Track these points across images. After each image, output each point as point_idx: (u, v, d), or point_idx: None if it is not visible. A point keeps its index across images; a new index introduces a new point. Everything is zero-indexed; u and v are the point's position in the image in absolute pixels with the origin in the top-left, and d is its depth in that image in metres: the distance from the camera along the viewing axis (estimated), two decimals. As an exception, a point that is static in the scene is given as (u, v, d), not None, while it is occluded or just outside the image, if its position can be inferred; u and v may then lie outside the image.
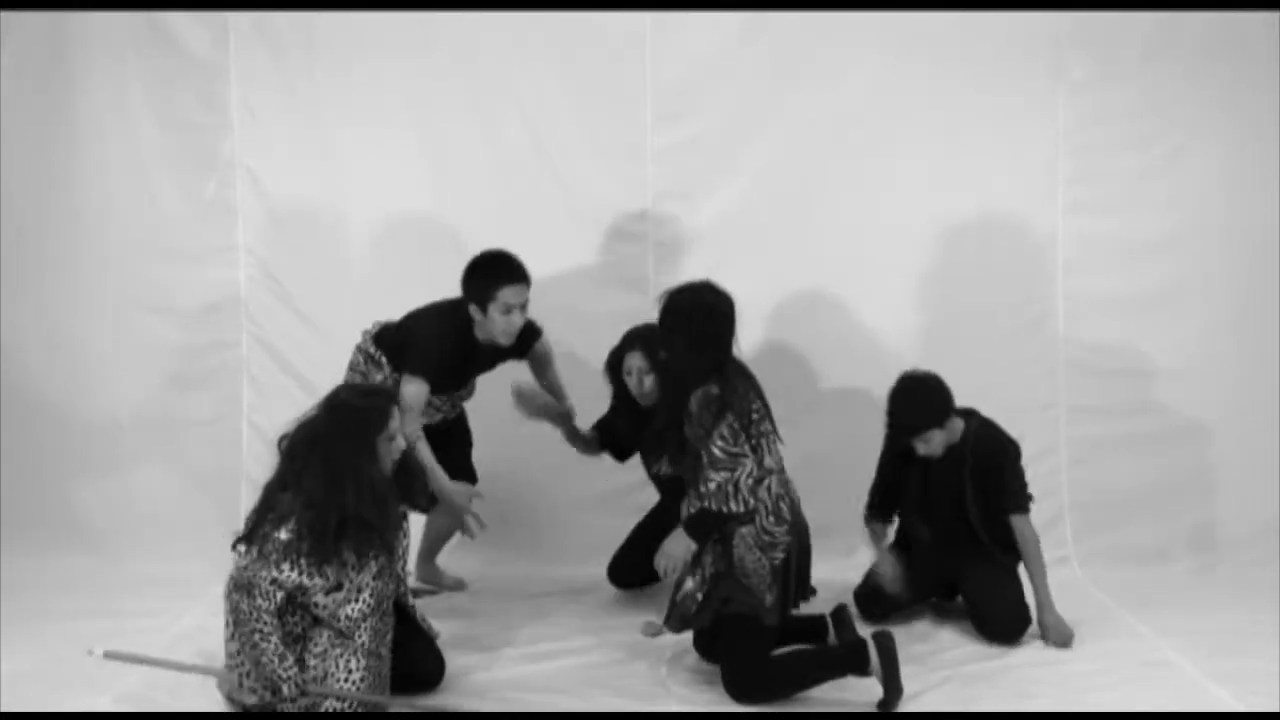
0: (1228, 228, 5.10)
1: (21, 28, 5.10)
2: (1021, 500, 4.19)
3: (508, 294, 4.17)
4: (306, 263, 5.17)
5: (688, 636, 4.14)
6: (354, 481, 3.38)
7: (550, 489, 4.99)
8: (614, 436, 4.56)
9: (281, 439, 3.53)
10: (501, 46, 5.07)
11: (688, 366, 3.64)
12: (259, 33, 5.08)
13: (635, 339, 4.34)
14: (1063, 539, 5.03)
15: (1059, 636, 4.10)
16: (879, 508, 4.40)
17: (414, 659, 3.66)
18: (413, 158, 5.12)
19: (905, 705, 3.59)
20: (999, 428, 4.23)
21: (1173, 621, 4.30)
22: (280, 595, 3.37)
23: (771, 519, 3.60)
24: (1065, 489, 5.09)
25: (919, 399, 4.12)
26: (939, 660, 3.98)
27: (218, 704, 3.59)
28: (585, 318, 5.05)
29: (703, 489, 3.59)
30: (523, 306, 4.23)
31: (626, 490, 4.94)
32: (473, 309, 4.23)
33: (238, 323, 5.20)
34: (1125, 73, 5.04)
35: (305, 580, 3.38)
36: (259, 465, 5.13)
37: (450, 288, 5.10)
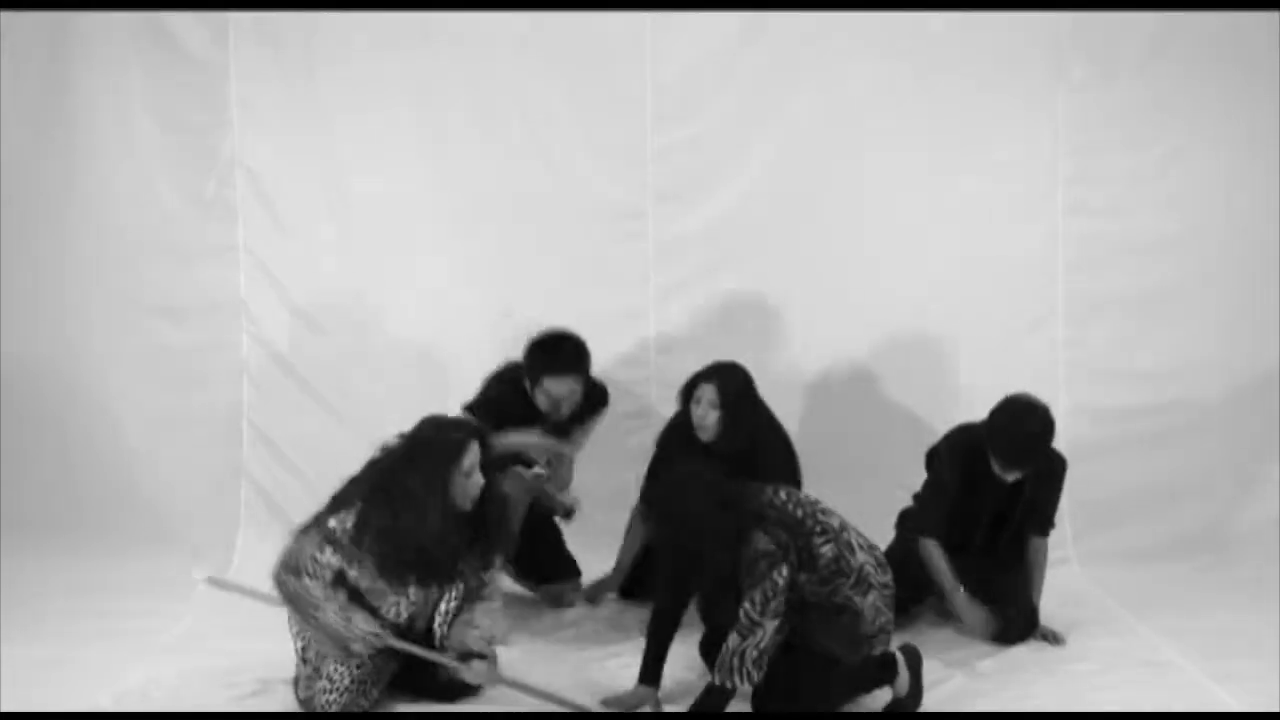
0: (1228, 228, 5.10)
1: (21, 28, 5.10)
2: (1048, 525, 4.22)
3: (553, 385, 4.23)
4: (306, 263, 5.17)
5: (687, 636, 4.16)
6: (417, 514, 3.39)
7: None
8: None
9: (381, 449, 3.56)
10: (502, 47, 5.07)
11: (713, 547, 3.44)
12: (259, 32, 5.08)
13: (714, 372, 4.29)
14: (1063, 539, 5.01)
15: (1048, 630, 4.15)
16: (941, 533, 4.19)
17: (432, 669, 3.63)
18: (413, 157, 5.11)
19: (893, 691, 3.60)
20: (1053, 446, 4.20)
21: (1173, 621, 4.30)
22: (329, 574, 3.40)
23: (881, 571, 3.52)
24: (1065, 489, 5.07)
25: (1045, 434, 4.05)
26: (939, 660, 3.98)
27: (218, 704, 3.59)
28: (585, 318, 5.04)
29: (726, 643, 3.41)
30: (570, 396, 4.26)
31: (628, 491, 4.94)
32: (526, 381, 4.29)
33: (238, 323, 5.20)
34: (1125, 73, 5.04)
35: (345, 568, 3.42)
36: (259, 465, 5.15)
37: (447, 286, 5.13)
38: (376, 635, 3.41)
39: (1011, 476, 4.08)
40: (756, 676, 3.36)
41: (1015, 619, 4.15)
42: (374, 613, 3.47)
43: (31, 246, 5.19)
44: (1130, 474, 5.08)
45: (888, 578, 3.54)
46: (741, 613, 3.36)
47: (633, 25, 5.04)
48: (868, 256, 5.11)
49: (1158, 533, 5.05)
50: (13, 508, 5.11)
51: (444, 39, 5.06)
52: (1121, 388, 5.13)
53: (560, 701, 3.59)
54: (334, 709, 3.44)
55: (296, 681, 3.57)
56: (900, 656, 3.58)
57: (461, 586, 3.58)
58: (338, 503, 3.49)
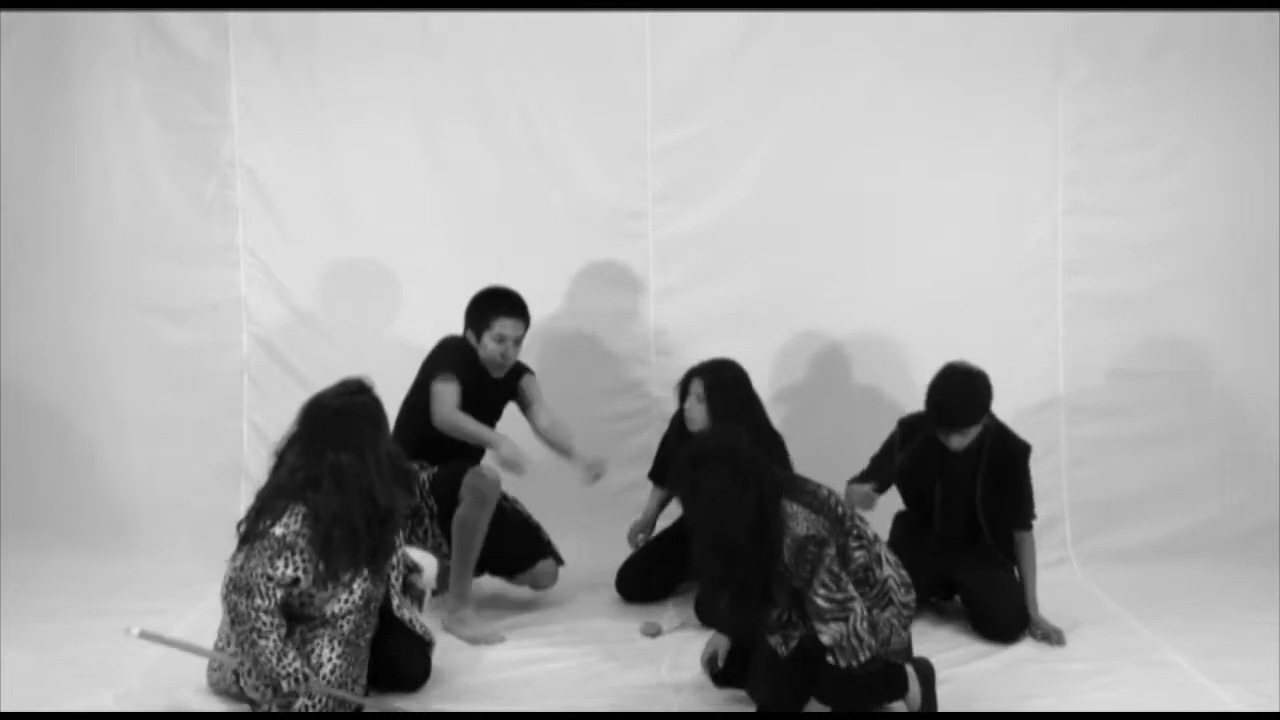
0: (1228, 228, 5.10)
1: (21, 28, 5.11)
2: (1028, 517, 4.20)
3: (503, 324, 4.30)
4: (306, 263, 5.17)
5: (687, 636, 4.15)
6: (362, 486, 3.39)
7: (549, 489, 4.98)
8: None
9: (276, 452, 3.55)
10: (502, 47, 5.07)
11: (732, 512, 3.26)
12: (259, 32, 5.08)
13: (706, 368, 4.44)
14: (1063, 539, 5.03)
15: (1049, 629, 4.13)
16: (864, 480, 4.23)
17: (398, 660, 3.63)
18: (413, 157, 5.12)
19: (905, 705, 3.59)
20: (1012, 432, 4.23)
21: (1173, 621, 4.30)
22: (279, 593, 3.37)
23: (903, 591, 3.45)
24: (1065, 489, 5.09)
25: (974, 392, 4.06)
26: (939, 660, 3.96)
27: (218, 704, 3.59)
28: (585, 318, 5.05)
29: (823, 640, 3.30)
30: (516, 341, 4.34)
31: (626, 490, 4.94)
32: (469, 334, 4.36)
33: (238, 323, 5.20)
34: (1125, 73, 5.05)
35: (301, 575, 3.39)
36: (259, 465, 5.14)
37: (447, 286, 5.12)
38: (305, 677, 3.35)
39: (953, 441, 4.07)
40: (874, 644, 3.30)
41: (1006, 616, 4.14)
42: (324, 620, 3.43)
43: (32, 246, 5.19)
44: (1130, 474, 5.08)
45: (909, 599, 3.47)
46: (820, 601, 3.26)
47: (633, 25, 5.05)
48: (868, 256, 5.11)
49: (1158, 533, 5.05)
50: (13, 507, 5.11)
51: (444, 39, 5.07)
52: (1121, 388, 5.13)
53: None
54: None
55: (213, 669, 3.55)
56: (911, 670, 3.51)
57: (403, 555, 3.60)
58: (269, 513, 3.42)
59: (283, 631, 3.38)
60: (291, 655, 3.37)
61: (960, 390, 4.07)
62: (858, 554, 3.38)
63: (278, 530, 3.38)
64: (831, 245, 5.11)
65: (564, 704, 3.63)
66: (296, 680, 3.35)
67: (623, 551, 4.77)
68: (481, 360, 4.36)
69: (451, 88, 5.09)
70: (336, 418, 3.46)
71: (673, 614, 4.41)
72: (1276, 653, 3.98)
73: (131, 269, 5.19)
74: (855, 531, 3.40)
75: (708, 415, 4.33)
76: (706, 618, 4.24)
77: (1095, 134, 5.07)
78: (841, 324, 5.12)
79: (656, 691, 3.74)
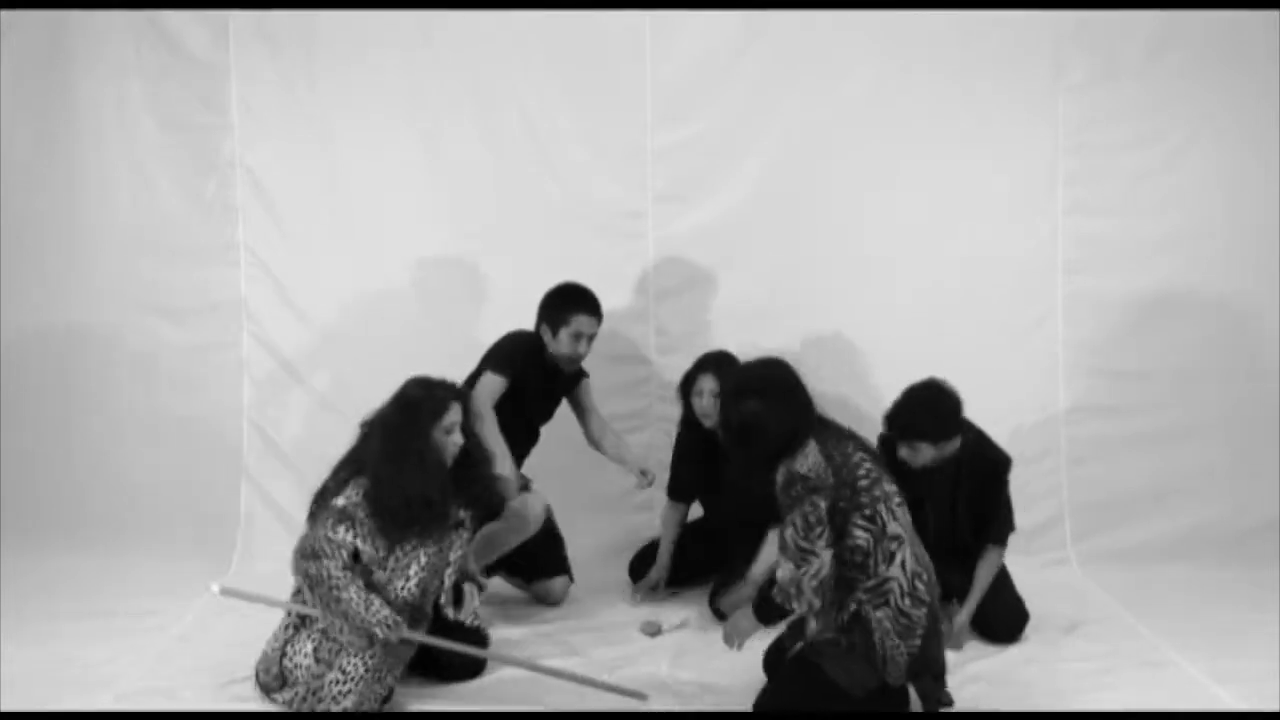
0: (1228, 228, 5.10)
1: (21, 28, 5.11)
2: (1004, 532, 4.13)
3: (581, 321, 4.37)
4: (306, 263, 5.17)
5: (687, 636, 4.16)
6: (413, 463, 3.50)
7: (552, 489, 4.98)
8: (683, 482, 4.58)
9: (361, 424, 3.68)
10: (501, 47, 5.07)
11: (770, 427, 3.31)
12: (259, 32, 5.08)
13: (710, 363, 4.41)
14: (1063, 539, 5.03)
15: (959, 640, 4.05)
16: None
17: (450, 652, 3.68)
18: (413, 157, 5.12)
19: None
20: (994, 444, 4.15)
21: (1173, 621, 4.30)
22: (345, 553, 3.46)
23: (908, 600, 3.27)
24: (1065, 489, 5.09)
25: (931, 409, 3.94)
26: (939, 660, 3.98)
27: (218, 704, 3.60)
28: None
29: (777, 573, 3.30)
30: (591, 338, 4.42)
31: (628, 490, 4.94)
32: (544, 329, 4.40)
33: (238, 323, 5.20)
34: (1126, 73, 5.04)
35: (360, 545, 3.48)
36: (259, 465, 5.15)
37: (447, 285, 5.13)
38: (396, 622, 3.42)
39: (904, 451, 3.96)
40: (818, 604, 3.25)
41: (1005, 617, 4.14)
42: (387, 600, 3.48)
43: (32, 246, 5.19)
44: (1130, 474, 5.08)
45: (917, 612, 3.29)
46: (787, 538, 3.23)
47: (633, 25, 5.05)
48: (867, 256, 5.11)
49: (1158, 533, 5.05)
50: (14, 508, 5.12)
51: (444, 39, 5.07)
52: (1121, 388, 5.13)
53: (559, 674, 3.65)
54: (347, 701, 3.42)
55: (261, 671, 3.57)
56: (913, 689, 3.43)
57: (460, 551, 3.65)
58: (339, 483, 3.57)
59: (361, 584, 3.44)
60: (378, 604, 3.42)
61: (922, 401, 3.97)
62: (859, 534, 3.25)
63: (339, 502, 3.51)
64: (831, 245, 5.10)
65: (564, 704, 3.63)
66: (388, 626, 3.41)
67: (623, 552, 4.78)
68: (551, 355, 4.40)
69: (451, 87, 5.09)
70: (405, 399, 3.62)
71: (673, 613, 4.41)
72: (1276, 653, 3.98)
73: (131, 269, 5.19)
74: (868, 512, 3.26)
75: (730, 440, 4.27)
76: (722, 612, 4.26)
77: (1095, 134, 5.07)
78: (841, 324, 5.11)
79: (657, 691, 3.73)
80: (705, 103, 5.08)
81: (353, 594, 3.41)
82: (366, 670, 3.44)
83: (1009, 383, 5.02)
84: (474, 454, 3.74)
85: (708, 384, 4.36)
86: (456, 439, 3.64)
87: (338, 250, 5.15)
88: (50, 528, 5.06)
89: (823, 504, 3.23)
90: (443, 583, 3.62)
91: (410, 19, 5.04)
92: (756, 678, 3.70)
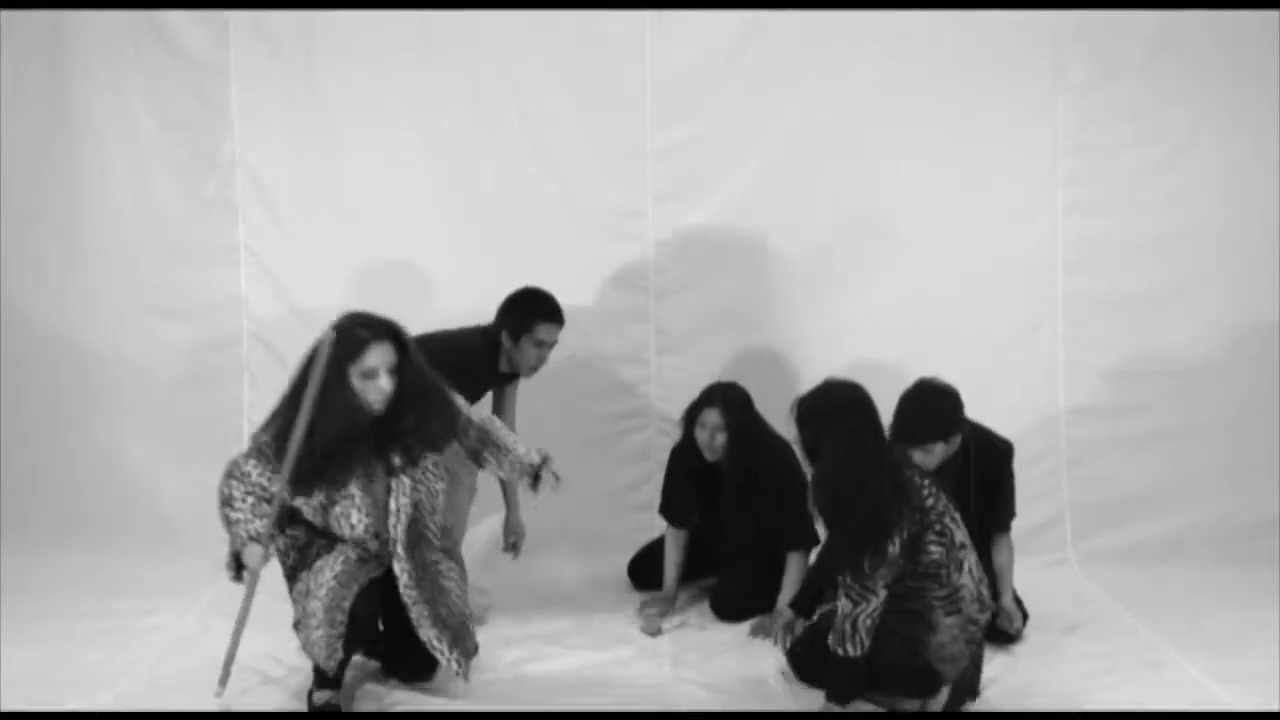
0: (1228, 228, 5.09)
1: (21, 28, 5.10)
2: (1008, 518, 4.15)
3: (545, 330, 4.34)
4: (306, 262, 5.17)
5: (687, 636, 4.16)
6: (317, 410, 3.33)
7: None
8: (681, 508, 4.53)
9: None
10: (501, 47, 5.07)
11: (844, 473, 3.39)
12: (259, 32, 5.08)
13: (716, 395, 4.33)
14: (1063, 539, 5.03)
15: (1011, 613, 4.07)
16: None
17: (410, 647, 3.61)
18: (413, 157, 5.12)
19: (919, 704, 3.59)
20: (991, 432, 4.16)
21: (1173, 621, 4.30)
22: (254, 484, 3.42)
23: (976, 606, 3.44)
24: (1065, 489, 5.09)
25: (934, 409, 3.94)
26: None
27: (218, 704, 3.60)
28: (585, 318, 5.04)
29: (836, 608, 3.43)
30: (552, 345, 4.38)
31: (627, 490, 4.95)
32: (505, 336, 4.35)
33: (238, 323, 5.20)
34: (1125, 73, 5.04)
35: (264, 481, 3.43)
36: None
37: (447, 285, 5.12)
38: (257, 535, 3.38)
39: (918, 456, 3.90)
40: (868, 643, 3.35)
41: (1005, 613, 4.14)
42: (331, 538, 3.46)
43: (32, 246, 5.18)
44: (1130, 474, 5.08)
45: (981, 617, 3.47)
46: (851, 575, 3.34)
47: (633, 25, 5.04)
48: (867, 256, 5.11)
49: (1158, 533, 5.05)
50: (14, 507, 5.11)
51: (444, 39, 5.06)
52: (1121, 388, 5.12)
53: None
54: (316, 604, 3.38)
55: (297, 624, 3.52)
56: (947, 687, 3.51)
57: (407, 483, 3.49)
58: (272, 418, 3.51)
59: (263, 510, 3.40)
60: (259, 524, 3.39)
61: (923, 404, 3.96)
62: (934, 549, 3.38)
63: (262, 435, 3.47)
64: (831, 245, 5.10)
65: (564, 704, 3.63)
66: (242, 540, 3.39)
67: (623, 552, 4.77)
68: (512, 360, 4.36)
69: (451, 87, 5.09)
70: (313, 347, 3.42)
71: (674, 612, 4.41)
72: (1276, 653, 3.98)
73: (131, 269, 5.19)
74: (938, 527, 3.39)
75: (729, 442, 4.25)
76: (723, 612, 4.26)
77: (1095, 134, 5.06)
78: (840, 323, 5.11)
79: (657, 691, 3.74)
80: (705, 103, 5.08)
81: (242, 513, 3.41)
82: (333, 578, 3.41)
83: (1009, 383, 5.02)
84: (427, 394, 3.49)
85: (711, 418, 4.28)
86: (383, 384, 3.35)
87: (337, 249, 5.15)
88: (50, 528, 5.06)
89: (898, 540, 3.33)
90: (400, 519, 3.47)
91: (410, 19, 5.04)
92: (757, 678, 3.70)
